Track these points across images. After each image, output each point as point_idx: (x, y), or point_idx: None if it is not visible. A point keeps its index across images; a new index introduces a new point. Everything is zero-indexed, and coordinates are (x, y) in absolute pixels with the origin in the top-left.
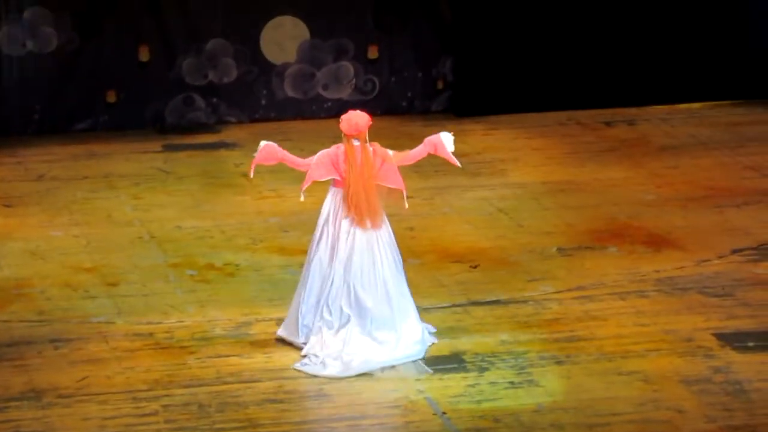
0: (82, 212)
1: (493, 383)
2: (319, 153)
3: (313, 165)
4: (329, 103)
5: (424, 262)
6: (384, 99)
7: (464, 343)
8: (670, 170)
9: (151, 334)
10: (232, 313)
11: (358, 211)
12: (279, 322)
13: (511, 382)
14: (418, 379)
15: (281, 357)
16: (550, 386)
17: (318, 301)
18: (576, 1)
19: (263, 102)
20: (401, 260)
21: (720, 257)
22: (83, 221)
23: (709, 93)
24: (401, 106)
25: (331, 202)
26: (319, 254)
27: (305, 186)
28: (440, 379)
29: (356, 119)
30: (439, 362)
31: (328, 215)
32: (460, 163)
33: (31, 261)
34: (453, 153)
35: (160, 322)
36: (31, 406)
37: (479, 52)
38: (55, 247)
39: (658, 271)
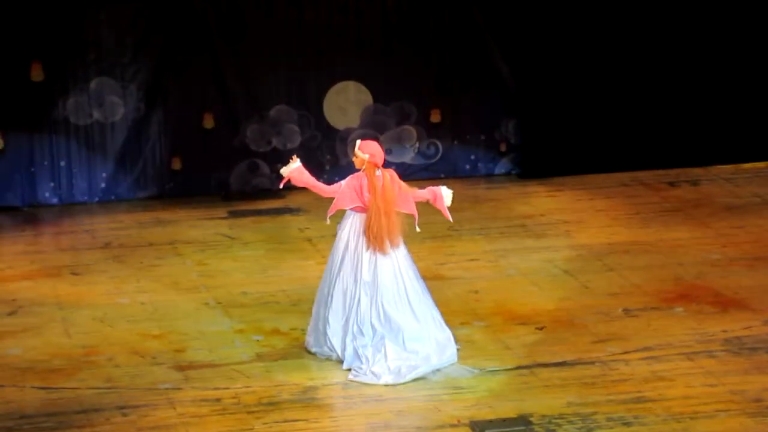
0: (148, 279)
1: None
2: (346, 180)
3: (341, 192)
4: (393, 167)
5: (489, 325)
6: (447, 162)
7: (531, 405)
8: (735, 230)
9: (218, 400)
10: (298, 378)
11: (380, 240)
12: (345, 386)
13: None
14: None
15: (348, 421)
16: None
17: (347, 321)
18: (638, 63)
19: (327, 167)
20: (418, 271)
21: None
22: (150, 288)
23: None
24: (464, 169)
25: (351, 225)
26: (342, 275)
27: (331, 213)
28: None
29: (380, 149)
30: (506, 424)
31: (348, 239)
32: (526, 224)
33: (99, 328)
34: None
35: (227, 388)
36: None
37: (542, 114)
38: (122, 314)
39: (725, 331)
